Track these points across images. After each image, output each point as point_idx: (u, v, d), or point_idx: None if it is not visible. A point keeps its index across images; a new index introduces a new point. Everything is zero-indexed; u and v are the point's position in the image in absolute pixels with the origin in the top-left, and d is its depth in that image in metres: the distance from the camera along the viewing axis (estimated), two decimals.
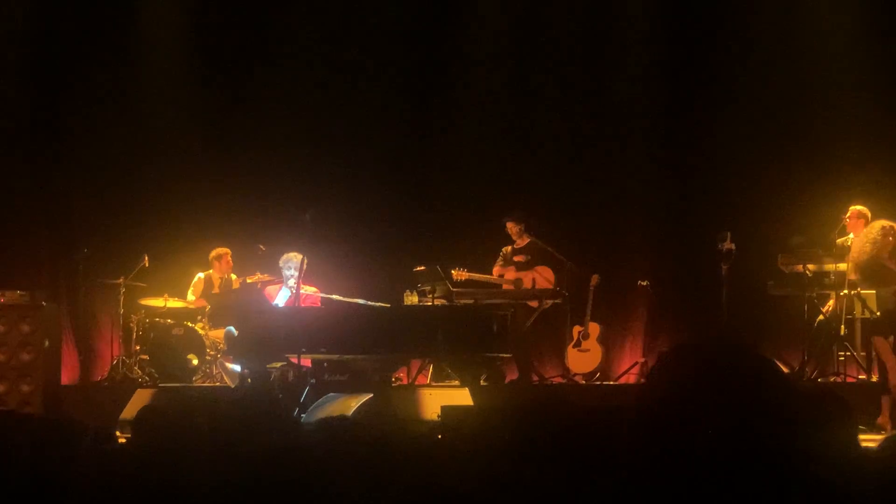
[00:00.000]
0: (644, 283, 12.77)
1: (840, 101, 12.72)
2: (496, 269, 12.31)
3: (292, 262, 11.48)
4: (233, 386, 11.46)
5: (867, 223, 10.76)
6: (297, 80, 13.89)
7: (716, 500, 2.00)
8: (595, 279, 12.49)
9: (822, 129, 12.72)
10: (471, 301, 11.69)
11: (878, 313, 9.89)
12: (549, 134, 13.80)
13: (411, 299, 11.32)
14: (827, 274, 10.92)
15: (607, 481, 2.18)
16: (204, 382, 12.09)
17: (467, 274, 12.03)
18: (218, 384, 11.95)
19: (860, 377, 10.76)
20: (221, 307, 11.93)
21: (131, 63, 13.95)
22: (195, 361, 12.18)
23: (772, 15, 13.15)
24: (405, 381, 11.69)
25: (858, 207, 10.97)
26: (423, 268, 11.39)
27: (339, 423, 3.56)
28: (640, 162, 13.54)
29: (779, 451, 2.01)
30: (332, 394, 10.05)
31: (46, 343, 11.68)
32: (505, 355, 11.19)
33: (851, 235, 10.86)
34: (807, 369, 11.00)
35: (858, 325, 10.86)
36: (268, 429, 3.72)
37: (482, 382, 10.73)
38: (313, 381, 10.63)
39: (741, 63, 13.21)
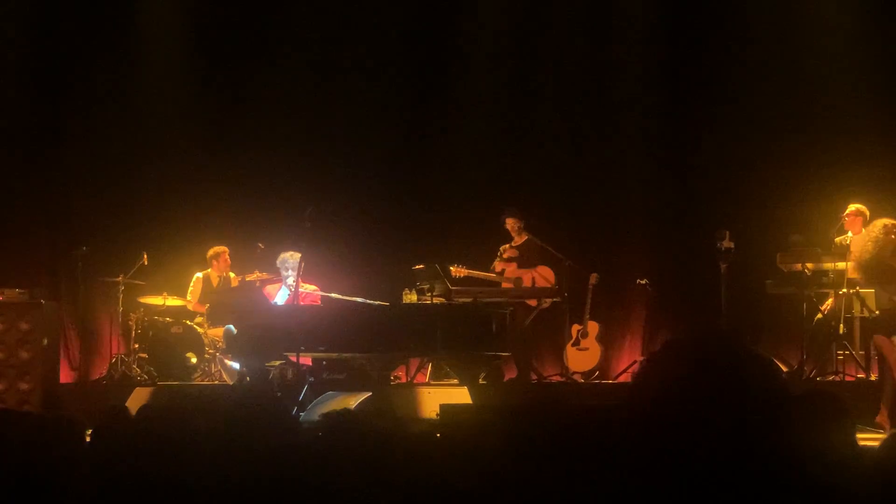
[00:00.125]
0: (643, 282, 12.78)
1: (839, 100, 12.72)
2: (497, 265, 12.30)
3: (288, 261, 11.49)
4: (231, 383, 11.47)
5: (865, 221, 10.77)
6: (297, 78, 13.89)
7: (710, 498, 1.99)
8: (594, 278, 12.50)
9: (821, 127, 12.72)
10: (470, 300, 11.69)
11: (877, 312, 9.89)
12: (548, 133, 13.80)
13: (410, 298, 11.32)
14: (826, 272, 10.91)
15: (605, 479, 2.18)
16: (203, 381, 12.10)
17: (466, 271, 12.04)
18: (217, 382, 11.96)
19: (859, 376, 10.76)
20: (220, 305, 11.93)
21: (131, 62, 13.95)
22: (194, 360, 12.19)
23: (771, 14, 13.15)
24: (404, 380, 11.70)
25: (856, 206, 10.97)
26: (421, 266, 11.39)
27: (342, 417, 3.56)
28: (639, 161, 13.54)
29: (772, 449, 2.00)
30: (330, 392, 10.05)
31: (45, 341, 11.67)
32: (504, 354, 11.19)
33: (850, 234, 10.86)
34: (806, 368, 11.00)
35: (857, 323, 10.86)
36: (267, 427, 3.71)
37: (481, 381, 10.73)
38: (312, 379, 10.64)
39: (740, 62, 13.22)
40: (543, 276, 12.18)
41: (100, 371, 13.12)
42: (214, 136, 13.96)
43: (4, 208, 13.62)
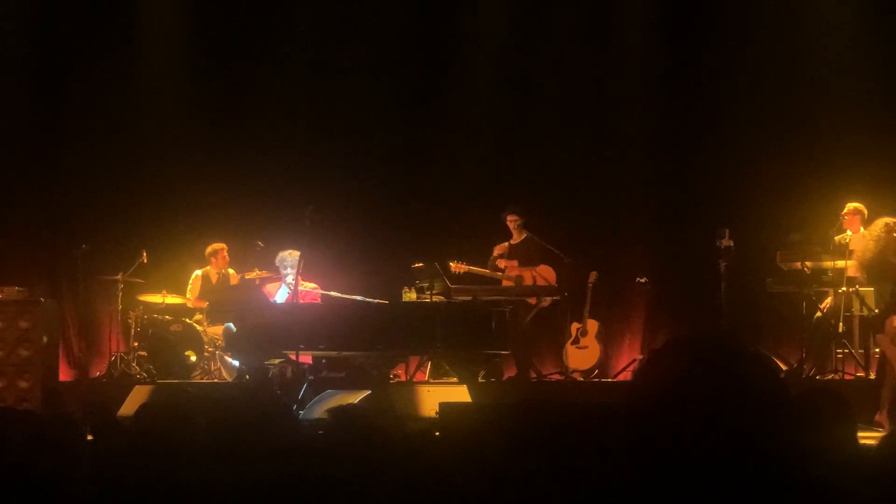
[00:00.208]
0: (642, 281, 12.78)
1: (838, 99, 12.72)
2: (500, 262, 12.28)
3: (287, 260, 11.49)
4: (230, 380, 11.48)
5: (863, 220, 10.78)
6: (297, 77, 13.89)
7: (711, 497, 2.00)
8: (593, 276, 12.50)
9: (821, 125, 12.72)
10: (469, 298, 11.69)
11: (876, 311, 9.89)
12: (548, 131, 13.80)
13: (409, 296, 11.32)
14: (825, 271, 10.92)
15: (604, 477, 2.19)
16: (202, 379, 12.10)
17: (466, 266, 12.03)
18: (216, 380, 11.96)
19: (858, 374, 10.77)
20: (220, 303, 11.93)
21: (130, 61, 13.95)
22: (193, 358, 12.19)
23: (770, 12, 13.15)
24: (403, 378, 11.69)
25: (854, 204, 10.97)
26: (421, 264, 11.39)
27: (349, 412, 3.57)
28: (639, 159, 13.54)
29: (774, 447, 2.01)
30: (330, 390, 10.06)
31: (45, 339, 11.68)
32: (503, 352, 11.19)
33: (849, 232, 10.86)
34: (805, 367, 11.00)
35: (857, 322, 10.86)
36: (267, 425, 3.72)
37: (480, 379, 10.74)
38: (311, 377, 10.65)
39: (739, 60, 13.21)
40: (544, 275, 12.18)
41: (99, 369, 13.12)
42: (214, 134, 13.96)
43: (4, 207, 13.63)
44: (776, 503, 2.00)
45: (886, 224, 9.64)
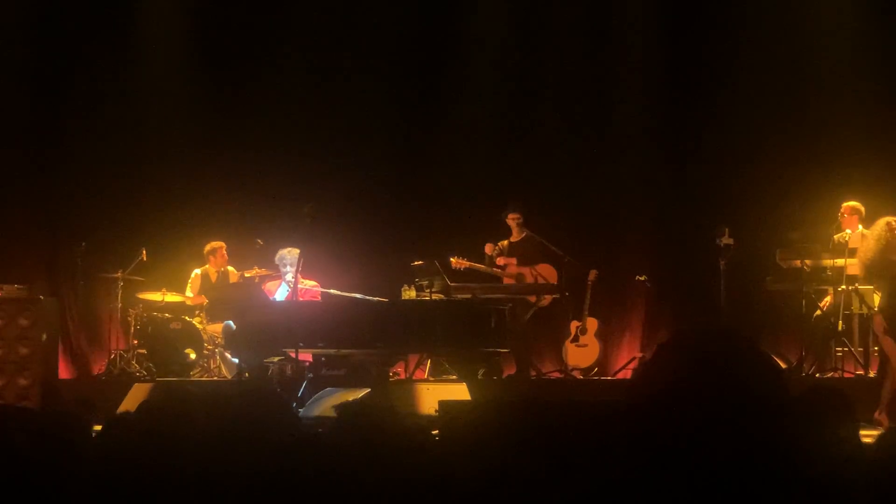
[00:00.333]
0: (642, 279, 12.78)
1: (838, 98, 12.73)
2: (499, 260, 12.28)
3: (286, 258, 11.49)
4: (230, 377, 11.48)
5: (861, 218, 10.79)
6: (296, 75, 13.89)
7: (713, 495, 2.00)
8: (593, 274, 12.50)
9: (820, 124, 12.73)
10: (469, 296, 11.69)
11: (877, 309, 9.88)
12: (547, 129, 13.80)
13: (409, 294, 11.32)
14: (825, 269, 10.93)
15: (604, 475, 2.19)
16: (202, 377, 12.10)
17: (468, 262, 12.03)
18: (216, 378, 11.96)
19: (858, 373, 10.78)
20: (219, 301, 11.93)
21: (130, 59, 13.94)
22: (193, 356, 12.19)
23: (770, 11, 13.15)
24: (403, 376, 11.69)
25: (851, 203, 10.98)
26: (420, 262, 11.39)
27: (351, 408, 3.56)
28: (639, 158, 13.54)
29: (773, 445, 2.01)
30: (329, 388, 10.06)
31: (44, 337, 11.67)
32: (503, 350, 11.19)
33: (849, 231, 10.86)
34: (804, 365, 11.01)
35: (856, 320, 10.87)
36: (266, 423, 3.72)
37: (480, 377, 10.73)
38: (311, 375, 10.65)
39: (739, 59, 13.21)
40: (545, 274, 12.17)
41: (99, 367, 13.13)
42: (214, 132, 13.95)
43: (4, 204, 13.62)
44: (778, 500, 2.00)
45: (888, 223, 9.64)
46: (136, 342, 12.40)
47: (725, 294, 11.29)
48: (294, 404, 9.44)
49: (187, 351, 12.19)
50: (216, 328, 11.97)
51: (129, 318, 12.44)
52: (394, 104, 13.91)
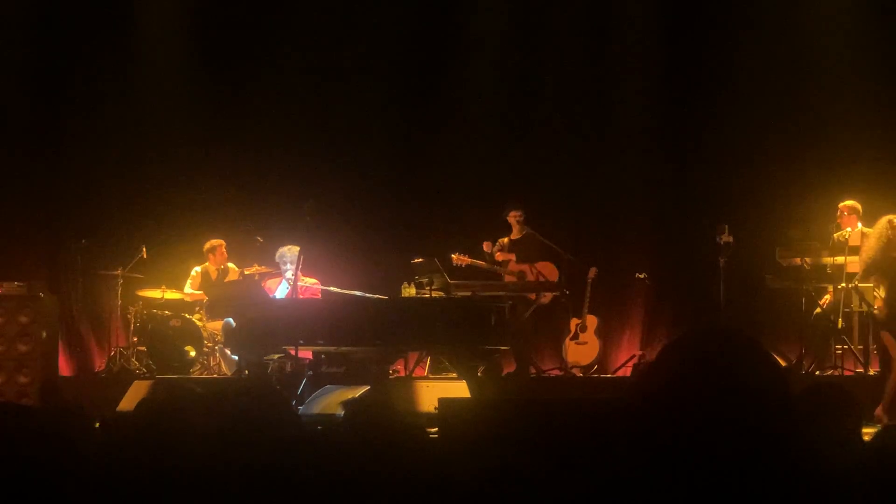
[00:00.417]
0: (642, 276, 12.78)
1: (838, 96, 12.73)
2: (498, 255, 12.28)
3: (286, 256, 11.49)
4: (230, 375, 11.49)
5: (859, 217, 10.80)
6: (296, 74, 13.90)
7: (713, 494, 2.00)
8: (593, 272, 12.51)
9: (820, 123, 12.73)
10: (468, 293, 11.70)
11: (876, 308, 9.88)
12: (547, 129, 13.80)
13: (409, 291, 11.32)
14: (824, 267, 10.93)
15: (604, 473, 2.19)
16: (201, 374, 12.11)
17: (468, 259, 12.03)
18: (216, 375, 11.97)
19: (858, 371, 10.78)
20: (219, 299, 11.94)
21: (130, 57, 13.96)
22: (192, 353, 12.20)
23: (770, 9, 13.15)
24: (402, 374, 11.70)
25: (849, 202, 10.98)
26: (420, 260, 11.40)
27: (356, 404, 3.57)
28: (639, 156, 13.55)
29: (775, 443, 2.01)
30: (329, 386, 10.06)
31: (44, 334, 11.68)
32: (503, 348, 11.19)
33: (849, 229, 10.86)
34: (804, 363, 11.01)
35: (856, 318, 10.87)
36: (266, 420, 3.72)
37: (479, 375, 10.73)
38: (310, 372, 10.65)
39: (739, 59, 13.21)
40: (545, 272, 12.17)
41: (99, 364, 13.14)
42: (214, 131, 13.96)
43: (4, 202, 13.63)
44: (781, 499, 2.01)
45: (890, 220, 9.63)
46: (136, 339, 12.41)
47: (725, 292, 11.29)
48: (294, 402, 9.44)
49: (187, 348, 12.20)
50: (216, 325, 11.99)
51: (129, 316, 12.45)
52: (394, 104, 13.91)
